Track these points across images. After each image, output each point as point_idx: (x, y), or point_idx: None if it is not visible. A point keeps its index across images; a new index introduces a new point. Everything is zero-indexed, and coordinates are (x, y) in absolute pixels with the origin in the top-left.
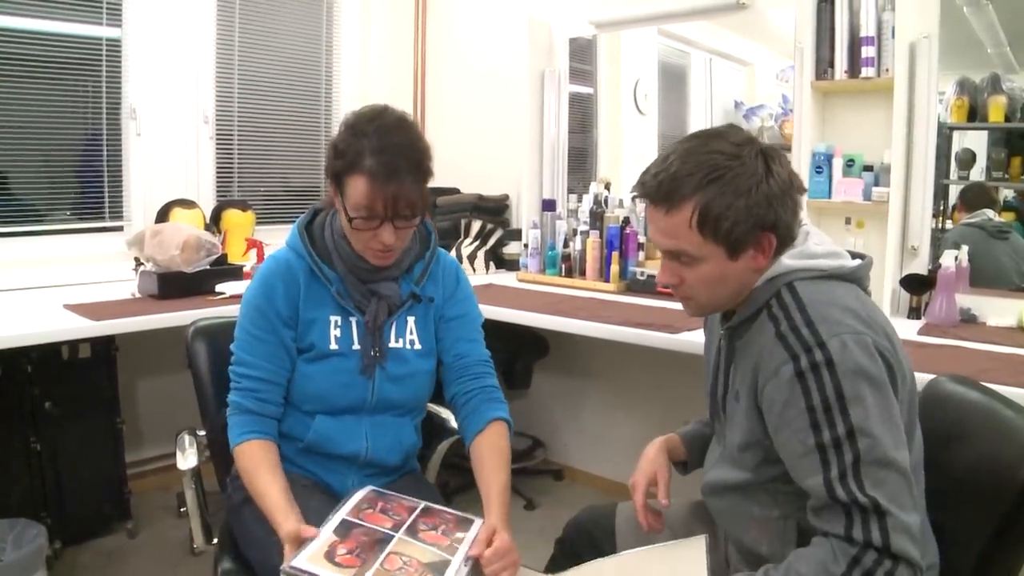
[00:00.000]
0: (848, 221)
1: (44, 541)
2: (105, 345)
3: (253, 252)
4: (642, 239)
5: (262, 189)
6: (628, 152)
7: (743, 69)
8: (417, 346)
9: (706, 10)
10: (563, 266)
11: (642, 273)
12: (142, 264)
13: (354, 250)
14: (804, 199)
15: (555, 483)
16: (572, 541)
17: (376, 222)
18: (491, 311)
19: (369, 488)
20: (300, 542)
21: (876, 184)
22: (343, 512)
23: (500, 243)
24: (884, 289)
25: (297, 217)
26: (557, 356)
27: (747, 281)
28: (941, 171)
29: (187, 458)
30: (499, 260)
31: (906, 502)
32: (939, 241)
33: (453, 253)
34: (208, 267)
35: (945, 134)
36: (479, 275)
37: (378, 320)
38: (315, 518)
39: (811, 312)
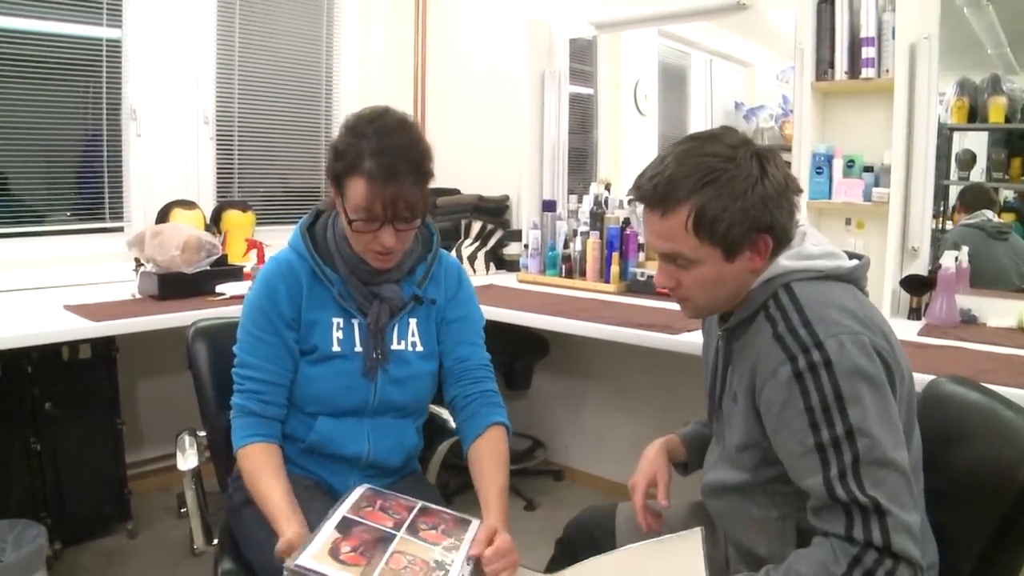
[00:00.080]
0: (848, 222)
1: (44, 541)
2: (105, 346)
3: (253, 253)
4: (642, 240)
5: (262, 190)
6: (628, 153)
7: (743, 70)
8: (419, 348)
9: (706, 11)
10: (563, 267)
11: (642, 274)
12: (142, 265)
13: (355, 252)
14: (801, 200)
15: (555, 484)
16: (572, 541)
17: (376, 224)
18: (491, 312)
19: (366, 486)
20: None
21: (876, 185)
22: (343, 510)
23: (500, 244)
24: (884, 290)
25: (297, 218)
26: (557, 357)
27: (744, 282)
28: (941, 172)
29: (187, 459)
30: (499, 261)
31: (906, 501)
32: (939, 242)
33: (453, 254)
34: (208, 268)
35: (945, 135)
36: (479, 276)
37: (380, 322)
38: (317, 520)
39: (808, 313)
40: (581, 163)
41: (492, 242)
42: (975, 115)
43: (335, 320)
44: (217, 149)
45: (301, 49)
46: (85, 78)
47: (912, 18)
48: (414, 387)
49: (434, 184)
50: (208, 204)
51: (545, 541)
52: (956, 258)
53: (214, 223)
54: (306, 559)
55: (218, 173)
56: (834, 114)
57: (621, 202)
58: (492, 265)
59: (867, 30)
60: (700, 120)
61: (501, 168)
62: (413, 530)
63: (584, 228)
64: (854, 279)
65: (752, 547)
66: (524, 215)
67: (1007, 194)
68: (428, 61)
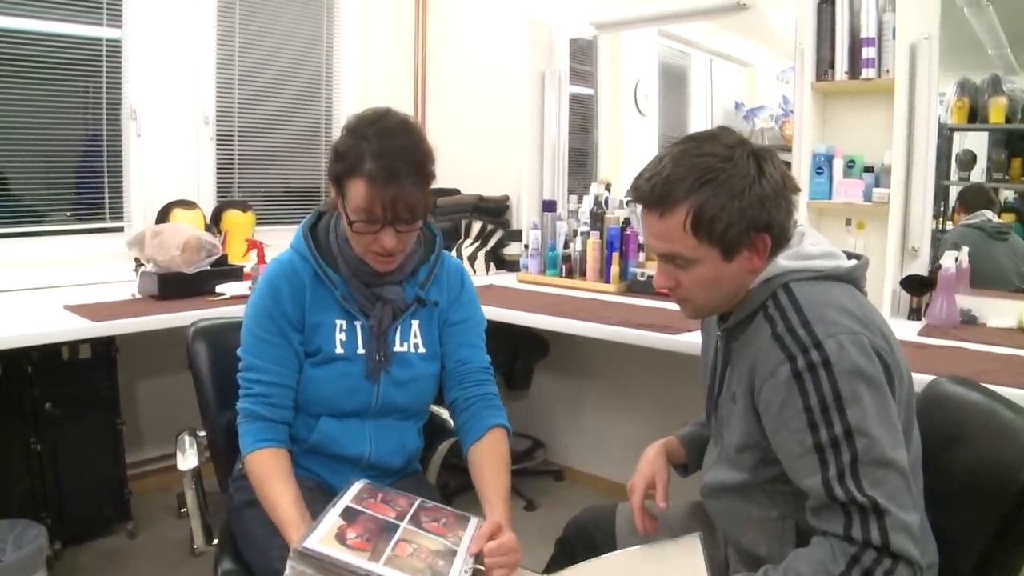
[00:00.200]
0: (848, 222)
1: (44, 542)
2: (105, 346)
3: (253, 253)
4: (642, 240)
5: (262, 190)
6: (628, 153)
7: (744, 70)
8: (421, 350)
9: (707, 11)
10: (563, 267)
11: (642, 274)
12: (142, 265)
13: (357, 254)
14: (799, 199)
15: (555, 484)
16: (572, 541)
17: (376, 226)
18: (492, 312)
19: (364, 481)
20: None
21: (876, 185)
22: (345, 500)
23: (500, 244)
24: (884, 290)
25: (298, 218)
26: (557, 357)
27: (743, 282)
28: (942, 172)
29: (187, 459)
30: (499, 261)
31: (905, 501)
32: (939, 242)
33: (454, 254)
34: (208, 268)
35: (946, 135)
36: (479, 276)
37: (383, 324)
38: None
39: (807, 313)
40: (581, 163)
41: (492, 242)
42: (975, 115)
43: (338, 322)
44: (217, 149)
45: (301, 49)
46: (85, 78)
47: (912, 18)
48: (416, 389)
49: (434, 184)
50: (208, 204)
51: (545, 541)
52: (956, 258)
53: (214, 223)
54: (313, 542)
55: (218, 173)
56: (834, 114)
57: (621, 202)
58: (492, 265)
59: (867, 30)
60: (700, 120)
61: (501, 168)
62: (416, 521)
63: (584, 228)
64: (853, 279)
65: (751, 547)
66: (524, 215)
67: (1007, 194)
68: (428, 61)
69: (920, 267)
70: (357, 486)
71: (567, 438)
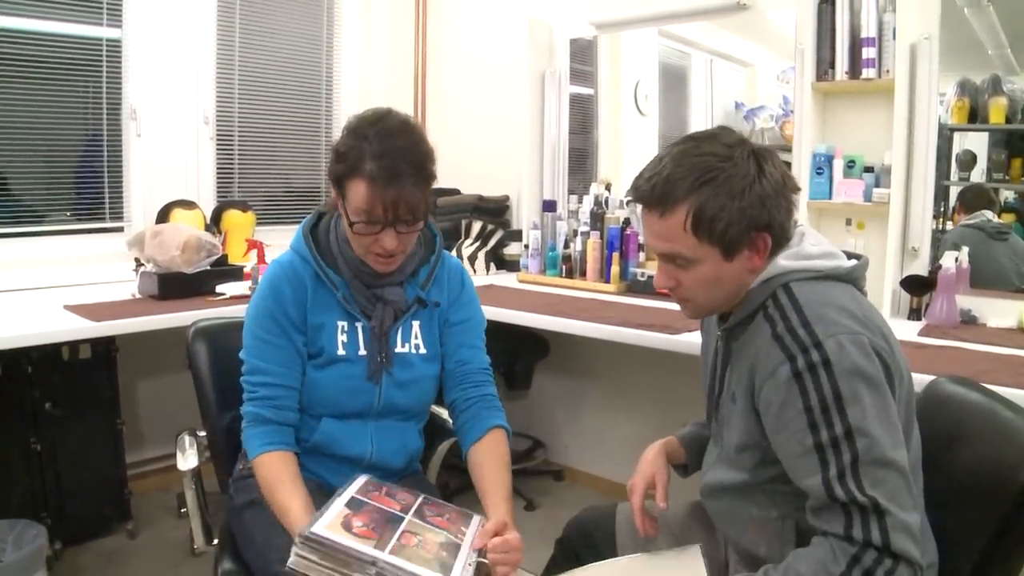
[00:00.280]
0: (849, 222)
1: (44, 542)
2: (105, 346)
3: (253, 253)
4: (642, 240)
5: (262, 190)
6: (629, 153)
7: (744, 70)
8: (422, 351)
9: (707, 11)
10: (563, 267)
11: (642, 274)
12: (142, 265)
13: (357, 254)
14: (799, 199)
15: (555, 484)
16: (572, 541)
17: (377, 227)
18: (492, 312)
19: (367, 476)
20: None
21: (877, 185)
22: (350, 492)
23: (501, 244)
24: (885, 290)
25: (298, 218)
26: (558, 357)
27: (743, 282)
28: (942, 172)
29: (187, 459)
30: (500, 261)
31: (905, 501)
32: (939, 242)
33: (454, 254)
34: (208, 268)
35: (946, 135)
36: (479, 276)
37: (384, 326)
38: None
39: (807, 313)
40: (581, 163)
41: (492, 242)
42: (975, 116)
43: (340, 323)
44: (217, 149)
45: (301, 49)
46: (85, 78)
47: (913, 18)
48: (418, 390)
49: (434, 184)
50: (208, 204)
51: (545, 541)
52: (956, 258)
53: (214, 223)
54: (320, 528)
55: (218, 173)
56: (834, 114)
57: (621, 202)
58: (492, 265)
59: (868, 30)
60: (700, 120)
61: (501, 168)
62: (420, 515)
63: (584, 228)
64: (853, 279)
65: (751, 547)
66: (524, 215)
67: (1007, 195)
68: (428, 61)
69: (920, 267)
70: (361, 480)
71: (567, 438)
